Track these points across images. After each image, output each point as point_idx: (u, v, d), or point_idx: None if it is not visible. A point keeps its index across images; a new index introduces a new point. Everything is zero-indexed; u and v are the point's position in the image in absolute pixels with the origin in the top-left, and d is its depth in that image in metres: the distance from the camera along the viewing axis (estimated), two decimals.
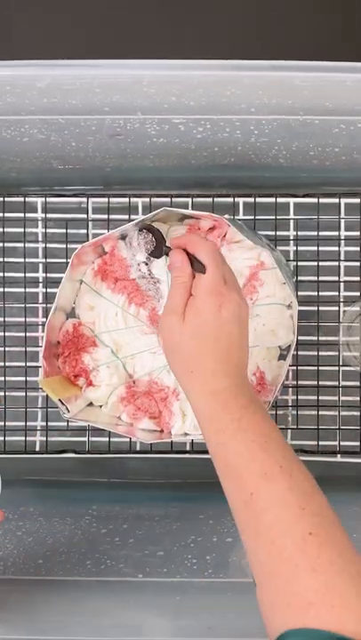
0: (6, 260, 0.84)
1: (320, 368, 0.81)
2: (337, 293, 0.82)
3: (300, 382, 0.81)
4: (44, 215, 0.84)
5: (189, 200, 0.81)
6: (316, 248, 0.81)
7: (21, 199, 0.83)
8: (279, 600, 0.48)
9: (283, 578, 0.48)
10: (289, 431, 0.81)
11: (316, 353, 0.81)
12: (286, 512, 0.50)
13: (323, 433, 0.80)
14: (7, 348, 0.83)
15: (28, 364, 0.81)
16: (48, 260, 0.84)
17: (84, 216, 0.82)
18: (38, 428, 0.83)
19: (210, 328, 0.59)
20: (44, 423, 0.82)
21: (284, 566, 0.48)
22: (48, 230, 0.84)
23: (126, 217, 0.80)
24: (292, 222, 0.82)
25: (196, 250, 0.63)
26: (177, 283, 0.62)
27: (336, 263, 0.82)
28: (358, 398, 0.81)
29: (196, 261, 0.62)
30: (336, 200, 0.81)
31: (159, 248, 0.69)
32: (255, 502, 0.51)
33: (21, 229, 0.83)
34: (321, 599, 0.46)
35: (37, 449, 0.82)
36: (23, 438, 0.81)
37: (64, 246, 0.81)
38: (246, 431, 0.54)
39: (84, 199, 0.83)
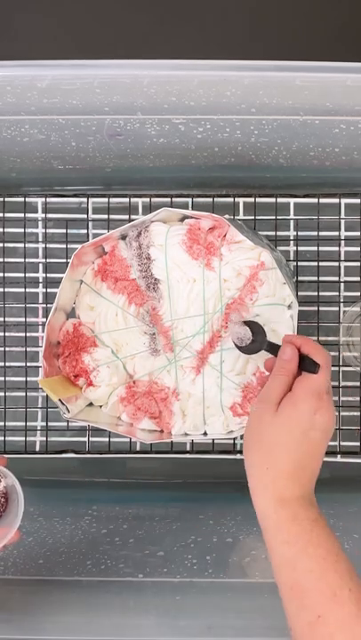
0: (6, 260, 0.84)
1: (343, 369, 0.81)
2: (337, 294, 0.82)
3: None
4: (44, 215, 0.84)
5: (190, 200, 0.81)
6: (316, 248, 0.81)
7: (21, 199, 0.83)
8: None
9: None
10: None
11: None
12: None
13: None
14: (7, 348, 0.83)
15: (29, 364, 0.81)
16: (48, 261, 0.84)
17: (85, 216, 0.82)
18: (38, 428, 0.83)
19: (300, 427, 0.57)
20: (44, 423, 0.82)
21: None
22: (48, 230, 0.84)
23: (126, 217, 0.80)
24: (292, 222, 0.82)
25: (313, 352, 0.61)
26: (279, 374, 0.60)
27: (336, 263, 0.82)
28: (358, 399, 0.81)
29: (309, 361, 0.61)
30: (336, 200, 0.81)
31: (257, 343, 0.68)
32: (321, 625, 0.50)
33: (22, 229, 0.83)
34: None
35: (37, 449, 0.82)
36: (23, 438, 0.81)
37: (64, 246, 0.81)
38: (318, 547, 0.53)
39: (85, 199, 0.83)
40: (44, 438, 0.81)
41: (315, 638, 0.50)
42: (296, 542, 0.53)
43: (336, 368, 0.81)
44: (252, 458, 0.59)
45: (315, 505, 0.56)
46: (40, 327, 0.83)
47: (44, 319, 0.80)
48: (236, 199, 0.81)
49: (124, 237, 0.75)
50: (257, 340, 0.69)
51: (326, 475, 0.85)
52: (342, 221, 0.82)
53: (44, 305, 0.83)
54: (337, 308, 0.82)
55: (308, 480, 0.58)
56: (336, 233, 0.82)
